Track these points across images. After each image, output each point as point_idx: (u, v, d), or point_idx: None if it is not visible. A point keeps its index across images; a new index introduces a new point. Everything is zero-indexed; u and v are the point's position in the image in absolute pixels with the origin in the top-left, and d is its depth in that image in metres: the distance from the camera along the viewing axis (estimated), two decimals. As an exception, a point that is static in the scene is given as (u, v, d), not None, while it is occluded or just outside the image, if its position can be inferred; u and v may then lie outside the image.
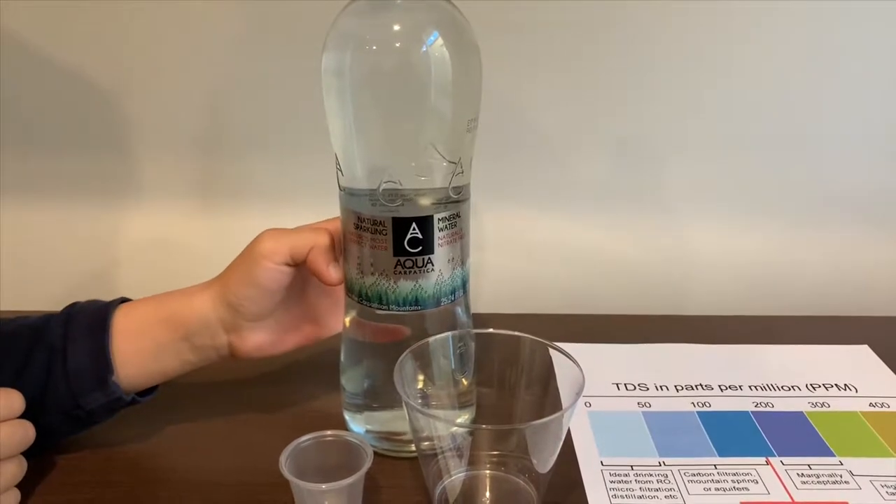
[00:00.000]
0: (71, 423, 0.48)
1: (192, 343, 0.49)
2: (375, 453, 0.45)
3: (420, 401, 0.48)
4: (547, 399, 0.46)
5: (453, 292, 0.47)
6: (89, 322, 0.48)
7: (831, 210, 0.72)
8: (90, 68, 0.68)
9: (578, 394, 0.42)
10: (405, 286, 0.46)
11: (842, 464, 0.50)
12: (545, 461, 0.43)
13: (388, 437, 0.50)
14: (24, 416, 0.44)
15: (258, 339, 0.50)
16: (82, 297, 0.51)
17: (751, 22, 0.66)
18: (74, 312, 0.49)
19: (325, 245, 0.48)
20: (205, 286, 0.50)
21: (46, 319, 0.48)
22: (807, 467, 0.49)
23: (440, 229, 0.45)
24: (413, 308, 0.46)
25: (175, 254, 0.74)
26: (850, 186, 0.71)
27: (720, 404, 0.56)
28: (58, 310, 0.50)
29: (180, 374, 0.50)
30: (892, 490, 0.47)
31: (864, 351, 0.64)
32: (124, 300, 0.51)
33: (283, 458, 0.43)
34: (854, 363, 0.62)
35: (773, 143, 0.70)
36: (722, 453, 0.51)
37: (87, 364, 0.47)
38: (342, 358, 0.51)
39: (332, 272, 0.48)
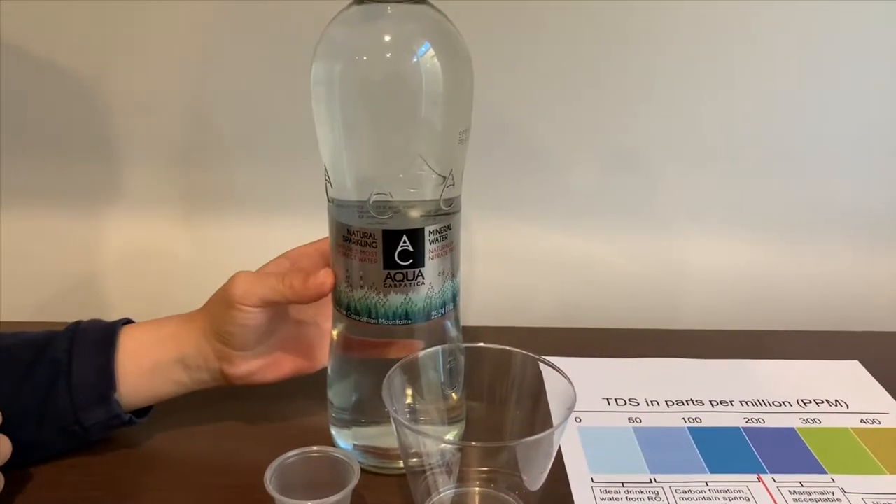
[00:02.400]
0: (65, 439, 0.48)
1: (186, 364, 0.49)
2: (363, 469, 0.44)
3: (409, 416, 0.47)
4: (537, 414, 0.45)
5: (443, 306, 0.47)
6: (96, 339, 0.48)
7: (823, 225, 0.72)
8: (72, 75, 0.67)
9: (570, 410, 0.41)
10: (395, 299, 0.45)
11: (833, 481, 0.49)
12: (536, 478, 0.43)
13: (376, 452, 0.49)
14: (20, 428, 0.44)
15: (250, 367, 0.50)
16: (67, 306, 0.51)
17: (748, 37, 0.66)
18: (80, 329, 0.49)
19: (297, 287, 0.47)
20: (202, 313, 0.50)
21: (50, 335, 0.49)
22: (798, 484, 0.49)
23: (431, 242, 0.45)
24: (403, 322, 0.46)
25: (161, 263, 0.73)
26: (842, 202, 0.71)
27: (711, 420, 0.56)
28: (42, 319, 0.49)
29: (174, 396, 0.51)
30: (884, 508, 0.47)
31: (854, 366, 0.64)
32: (128, 321, 0.51)
33: (268, 475, 0.42)
34: (845, 379, 0.62)
35: (767, 159, 0.70)
36: (713, 470, 0.50)
37: (91, 380, 0.47)
38: (329, 372, 0.50)
39: (318, 284, 0.47)
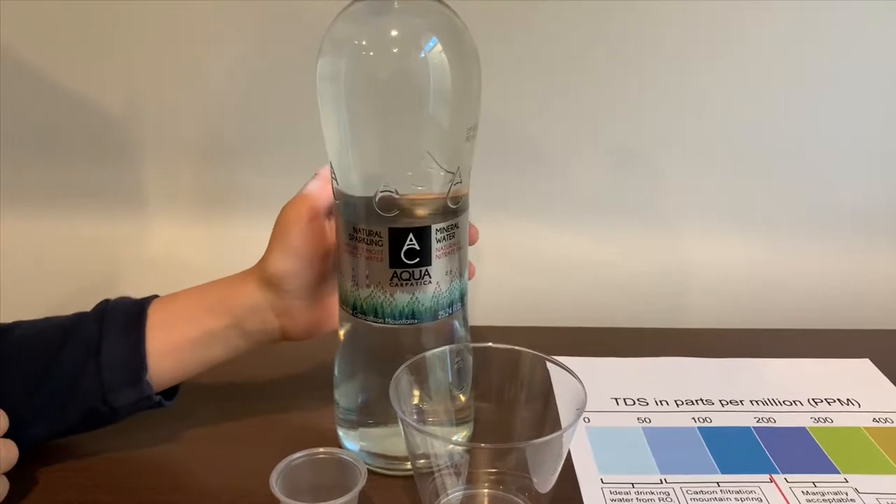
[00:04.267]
0: (91, 420, 0.48)
1: (243, 329, 0.48)
2: (370, 471, 0.44)
3: (416, 417, 0.46)
4: (547, 415, 0.44)
5: (451, 305, 0.46)
6: (125, 318, 0.47)
7: (831, 222, 0.71)
8: (86, 78, 0.66)
9: (580, 410, 0.41)
10: (402, 299, 0.44)
11: (847, 481, 0.49)
12: (546, 480, 0.42)
13: (383, 454, 0.48)
14: (49, 409, 0.45)
15: (310, 318, 0.50)
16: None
17: (749, 34, 0.65)
18: (109, 309, 0.48)
19: (310, 184, 0.49)
20: (247, 273, 0.49)
21: (78, 317, 0.48)
22: (811, 485, 0.48)
23: (438, 240, 0.44)
24: (410, 321, 0.45)
25: (174, 264, 0.72)
26: (851, 198, 0.71)
27: (721, 419, 0.55)
28: None
29: (227, 361, 0.50)
30: (898, 508, 0.46)
31: (865, 365, 0.63)
32: (156, 296, 0.50)
33: (273, 477, 0.42)
34: (856, 377, 0.61)
35: (772, 155, 0.69)
36: (724, 470, 0.50)
37: (122, 360, 0.46)
38: (336, 372, 0.50)
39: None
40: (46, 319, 0.49)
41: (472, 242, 0.50)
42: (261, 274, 0.48)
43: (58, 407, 0.46)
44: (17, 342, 0.47)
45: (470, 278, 0.50)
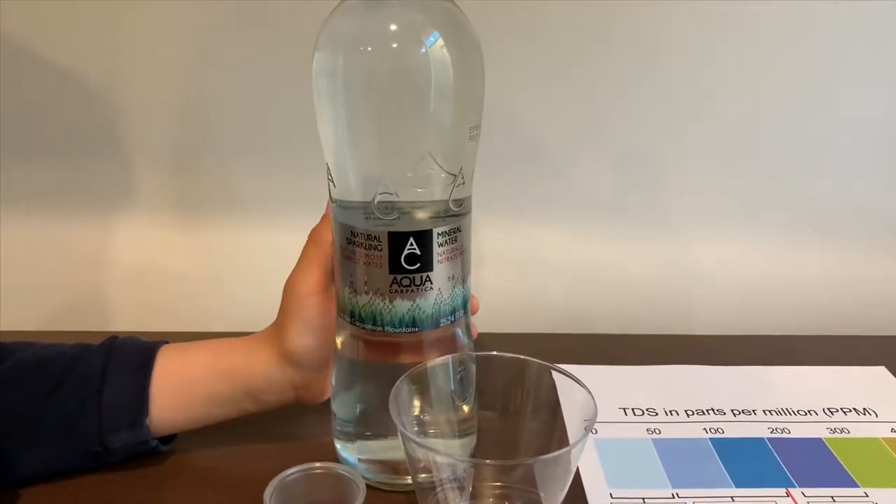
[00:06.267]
0: (84, 459, 0.46)
1: (257, 398, 0.48)
2: (369, 486, 0.42)
3: (417, 429, 0.45)
4: (555, 426, 0.43)
5: (453, 312, 0.44)
6: (132, 360, 0.47)
7: (844, 225, 0.70)
8: (70, 78, 0.65)
9: (590, 422, 0.39)
10: (402, 306, 0.43)
11: (867, 495, 0.47)
12: (554, 495, 0.40)
13: (383, 467, 0.46)
14: (42, 443, 0.44)
15: (325, 386, 0.49)
16: (70, 313, 0.49)
17: (753, 37, 0.64)
18: (116, 347, 0.48)
19: (308, 245, 0.47)
20: (263, 342, 0.48)
21: (84, 350, 0.48)
22: (830, 499, 0.46)
23: (440, 245, 0.42)
24: (410, 329, 0.43)
25: (162, 269, 0.71)
26: (864, 201, 0.69)
27: (734, 430, 0.53)
28: (46, 328, 0.48)
29: (235, 418, 0.49)
30: (922, 524, 0.45)
31: (880, 372, 0.61)
32: (165, 342, 0.49)
33: (267, 494, 0.40)
34: (871, 385, 0.59)
35: (782, 158, 0.68)
36: (738, 484, 0.48)
37: (124, 402, 0.46)
38: (333, 381, 0.48)
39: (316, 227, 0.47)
40: (49, 347, 0.48)
41: (473, 312, 0.49)
42: (279, 350, 0.47)
43: (53, 442, 0.45)
44: (17, 368, 0.46)
45: (473, 313, 0.48)
